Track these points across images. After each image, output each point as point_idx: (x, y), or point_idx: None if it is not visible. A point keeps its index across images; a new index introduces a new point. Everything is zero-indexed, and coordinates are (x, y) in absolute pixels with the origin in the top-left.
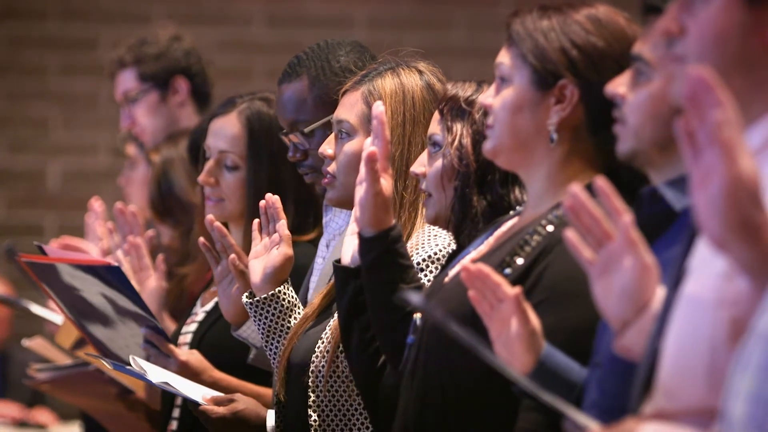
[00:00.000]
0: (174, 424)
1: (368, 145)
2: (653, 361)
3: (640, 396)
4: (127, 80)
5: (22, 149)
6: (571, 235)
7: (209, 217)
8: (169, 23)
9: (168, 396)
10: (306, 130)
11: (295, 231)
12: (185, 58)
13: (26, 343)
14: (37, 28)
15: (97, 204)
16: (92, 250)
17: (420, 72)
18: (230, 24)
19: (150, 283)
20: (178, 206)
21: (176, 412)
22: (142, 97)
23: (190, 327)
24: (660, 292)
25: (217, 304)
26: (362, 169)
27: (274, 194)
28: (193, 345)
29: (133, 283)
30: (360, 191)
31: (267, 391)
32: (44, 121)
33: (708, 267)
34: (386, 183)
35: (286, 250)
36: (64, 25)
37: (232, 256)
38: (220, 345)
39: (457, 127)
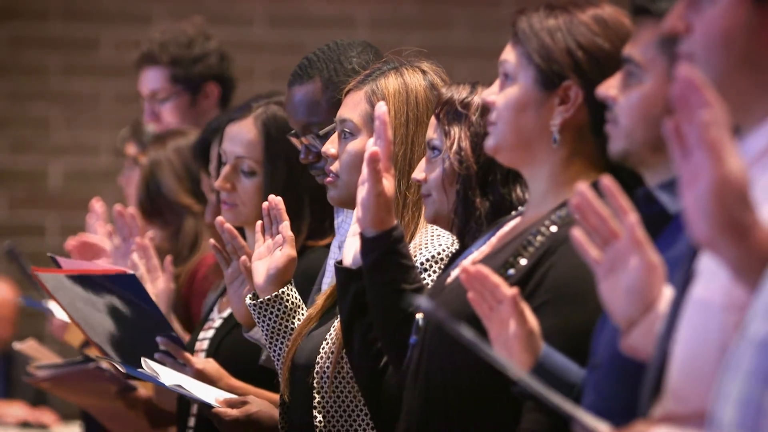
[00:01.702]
0: (192, 421)
1: (371, 146)
2: (662, 363)
3: (650, 399)
4: (157, 79)
5: (23, 149)
6: (577, 233)
7: (219, 218)
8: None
9: None
10: (321, 132)
11: (311, 236)
12: (220, 64)
13: (17, 346)
14: (38, 29)
15: (98, 205)
16: (106, 245)
17: (423, 72)
18: (232, 24)
19: (159, 285)
20: (166, 207)
21: (195, 409)
22: (173, 99)
23: (207, 333)
24: (667, 292)
25: None
26: (364, 170)
27: (291, 199)
28: (209, 351)
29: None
30: (362, 191)
31: None
32: (45, 121)
33: (716, 270)
34: (388, 183)
35: (289, 251)
36: (65, 26)
37: (243, 257)
38: (237, 352)
39: (455, 131)
